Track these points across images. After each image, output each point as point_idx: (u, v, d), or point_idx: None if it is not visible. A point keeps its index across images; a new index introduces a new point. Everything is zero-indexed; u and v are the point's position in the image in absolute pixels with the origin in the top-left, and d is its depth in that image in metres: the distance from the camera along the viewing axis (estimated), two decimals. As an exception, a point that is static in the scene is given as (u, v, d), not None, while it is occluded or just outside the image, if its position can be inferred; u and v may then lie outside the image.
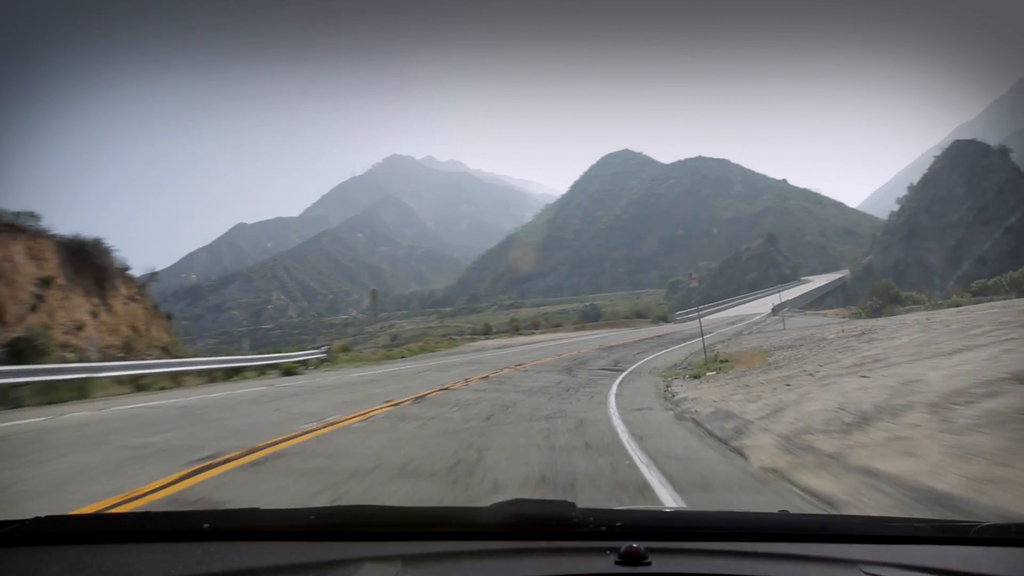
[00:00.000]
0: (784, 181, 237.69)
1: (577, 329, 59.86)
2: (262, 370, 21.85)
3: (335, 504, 2.53)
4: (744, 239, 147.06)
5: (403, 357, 30.65)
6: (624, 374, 17.03)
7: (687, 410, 9.62)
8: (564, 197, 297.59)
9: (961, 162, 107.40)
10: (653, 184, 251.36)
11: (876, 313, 32.35)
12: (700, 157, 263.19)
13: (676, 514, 2.58)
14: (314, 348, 26.70)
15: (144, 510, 2.18)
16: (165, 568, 1.64)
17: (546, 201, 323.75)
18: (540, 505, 2.06)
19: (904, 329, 16.99)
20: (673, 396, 11.78)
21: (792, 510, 2.42)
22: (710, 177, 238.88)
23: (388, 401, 11.10)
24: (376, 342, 79.83)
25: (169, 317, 31.63)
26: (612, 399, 11.44)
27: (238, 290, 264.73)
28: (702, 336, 21.98)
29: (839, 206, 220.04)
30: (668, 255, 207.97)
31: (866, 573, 1.55)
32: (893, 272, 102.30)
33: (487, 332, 63.51)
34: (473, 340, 52.91)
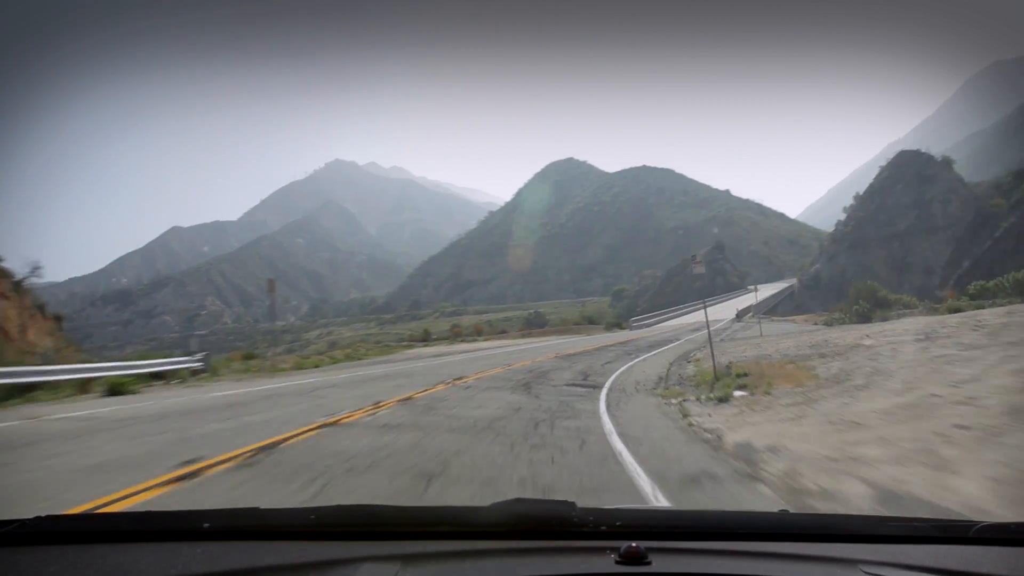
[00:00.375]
0: (728, 192, 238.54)
1: (524, 336, 54.99)
2: (83, 385, 16.00)
3: (335, 504, 2.06)
4: (689, 248, 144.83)
5: (317, 367, 25.03)
6: (603, 392, 12.25)
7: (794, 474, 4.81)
8: (508, 204, 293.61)
9: (906, 172, 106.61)
10: (597, 192, 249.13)
11: (864, 318, 28.54)
12: (645, 166, 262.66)
13: (676, 514, 2.56)
14: (184, 355, 20.47)
15: (144, 510, 1.77)
16: (165, 568, 1.63)
17: (490, 209, 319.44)
18: (540, 505, 2.02)
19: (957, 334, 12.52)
20: (718, 439, 6.82)
21: (792, 510, 2.21)
22: (654, 186, 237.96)
23: (168, 473, 5.41)
24: (315, 348, 73.42)
25: (59, 319, 26.83)
26: (618, 445, 6.56)
27: (171, 295, 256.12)
28: (710, 340, 17.25)
29: (781, 217, 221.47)
30: (612, 263, 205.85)
31: (866, 572, 1.55)
32: (841, 280, 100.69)
33: (426, 339, 58.06)
34: (410, 347, 47.70)
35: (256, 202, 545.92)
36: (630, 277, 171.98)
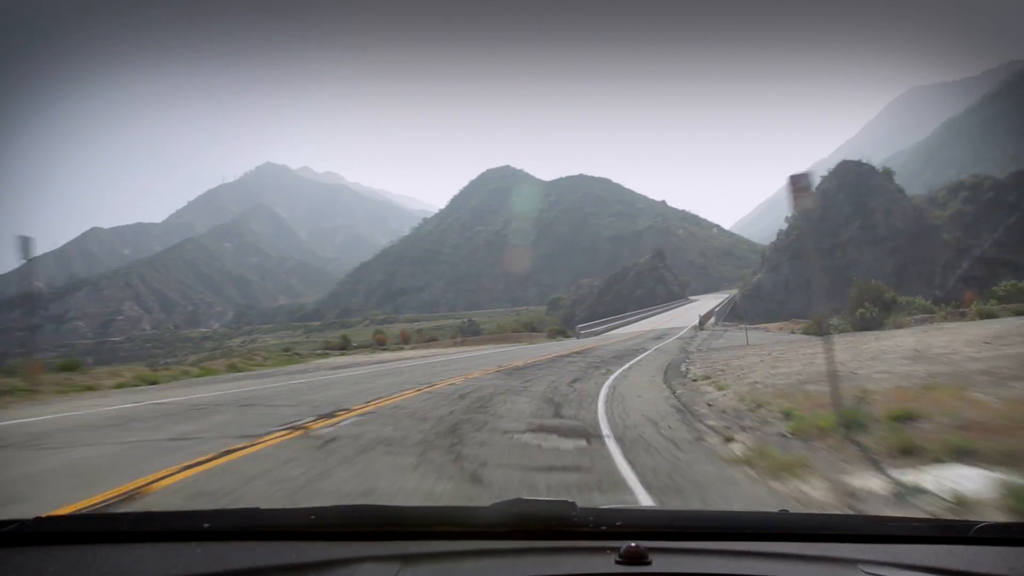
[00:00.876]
0: (664, 202, 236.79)
1: (457, 344, 48.25)
2: None
3: (335, 504, 2.06)
4: (626, 258, 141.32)
5: (155, 383, 17.71)
6: (613, 450, 6.16)
7: None
8: (443, 211, 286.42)
9: (848, 182, 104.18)
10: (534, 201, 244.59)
11: (873, 324, 23.09)
12: (582, 175, 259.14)
13: (676, 513, 2.55)
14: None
15: (145, 510, 2.20)
16: (166, 568, 1.62)
17: (425, 216, 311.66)
18: (540, 505, 1.94)
19: None
20: None
21: (793, 510, 2.20)
22: (591, 195, 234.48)
23: None
24: (200, 358, 64.63)
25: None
26: None
27: (84, 299, 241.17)
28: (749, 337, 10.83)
29: (717, 228, 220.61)
30: (548, 272, 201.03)
31: (866, 572, 1.54)
32: (784, 290, 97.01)
33: (344, 347, 50.67)
34: (325, 356, 40.51)
35: (183, 204, 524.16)
36: (566, 286, 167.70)
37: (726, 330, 35.25)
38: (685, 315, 57.69)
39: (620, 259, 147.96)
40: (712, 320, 38.84)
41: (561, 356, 22.72)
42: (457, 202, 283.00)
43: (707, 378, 13.13)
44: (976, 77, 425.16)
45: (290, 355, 39.17)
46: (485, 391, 11.70)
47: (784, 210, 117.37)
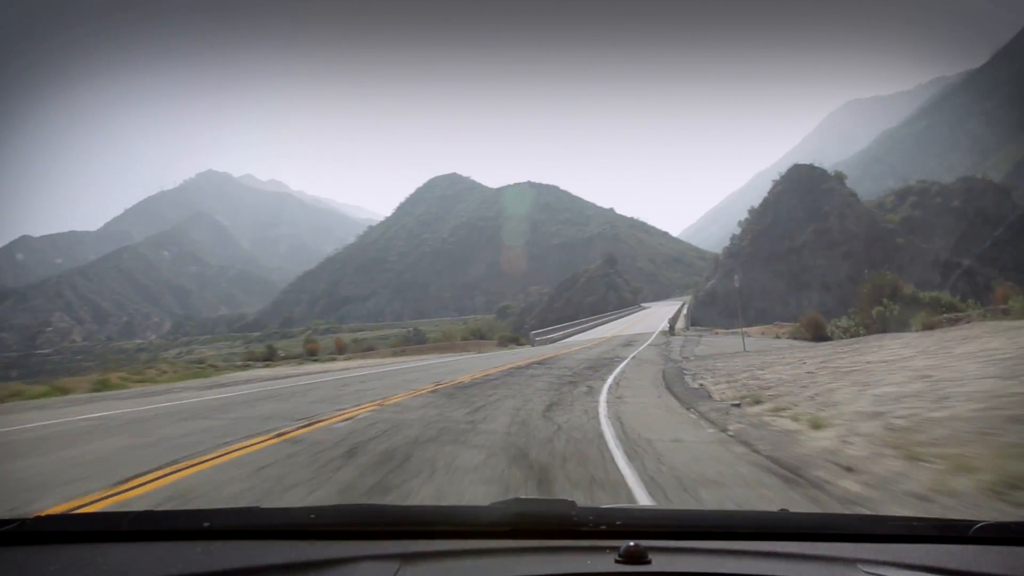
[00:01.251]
0: (612, 210, 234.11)
1: (396, 354, 42.81)
2: None
3: (335, 503, 2.29)
4: (575, 265, 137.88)
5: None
6: None
7: None
8: (389, 219, 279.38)
9: (801, 186, 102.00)
10: (481, 208, 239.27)
11: (894, 325, 18.84)
12: (529, 182, 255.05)
13: (676, 513, 2.55)
14: None
15: (144, 509, 2.14)
16: (165, 566, 1.61)
17: (372, 225, 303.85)
18: (540, 504, 2.00)
19: None
20: None
21: (793, 509, 2.17)
22: (539, 202, 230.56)
23: None
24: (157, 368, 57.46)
25: None
26: None
27: (10, 310, 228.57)
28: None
29: (665, 235, 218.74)
30: (496, 280, 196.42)
31: (866, 572, 1.54)
32: (739, 296, 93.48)
33: (270, 357, 44.82)
34: (246, 368, 34.78)
35: (119, 211, 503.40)
36: (515, 294, 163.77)
37: (701, 335, 30.88)
38: (644, 321, 53.49)
39: (569, 266, 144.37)
40: (682, 325, 34.52)
41: (519, 367, 17.78)
42: (403, 209, 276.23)
43: (756, 402, 8.38)
44: (910, 91, 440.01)
45: (202, 368, 33.34)
46: (402, 434, 6.65)
47: (731, 217, 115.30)
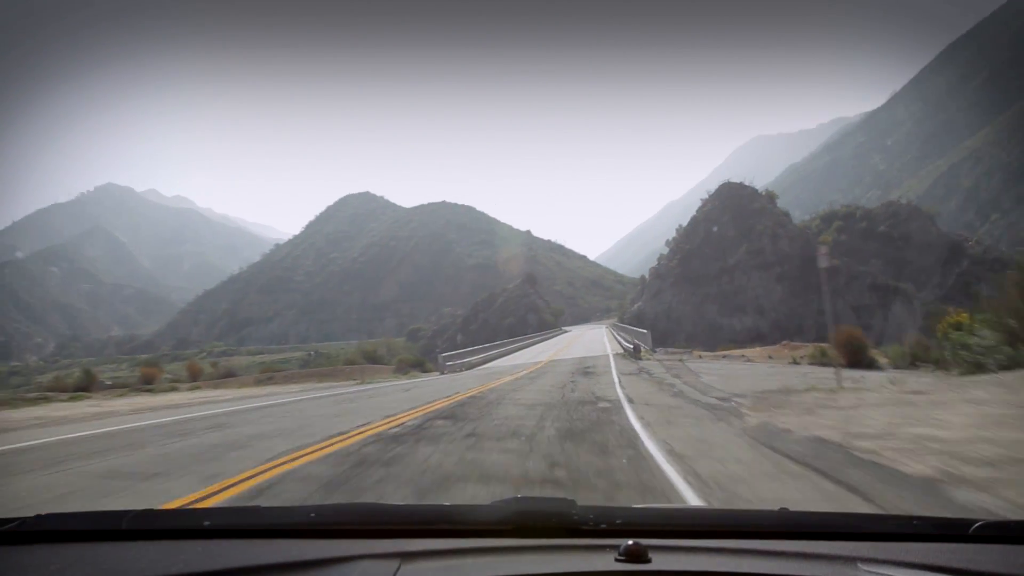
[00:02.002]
0: (528, 232, 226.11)
1: (262, 382, 31.68)
2: None
3: (335, 502, 2.38)
4: (490, 287, 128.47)
5: None
6: None
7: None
8: (297, 237, 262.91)
9: (731, 204, 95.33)
10: (394, 227, 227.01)
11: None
12: (444, 202, 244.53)
13: (676, 511, 2.55)
14: None
15: (145, 508, 1.91)
16: (166, 565, 1.59)
17: (278, 244, 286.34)
18: (540, 503, 1.95)
19: None
20: None
21: (792, 508, 2.15)
22: (454, 223, 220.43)
23: None
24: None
25: None
26: None
27: None
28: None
29: (583, 259, 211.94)
30: (407, 302, 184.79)
31: (865, 570, 1.52)
32: (666, 318, 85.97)
33: (85, 386, 32.13)
34: (47, 401, 22.80)
35: (6, 224, 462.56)
36: (427, 317, 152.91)
37: (683, 359, 21.20)
38: (579, 343, 43.98)
39: (484, 288, 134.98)
40: (646, 347, 24.86)
41: (399, 430, 7.36)
42: (313, 228, 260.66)
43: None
44: (812, 129, 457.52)
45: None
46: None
47: (644, 245, 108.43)
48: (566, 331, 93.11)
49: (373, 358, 34.55)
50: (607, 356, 26.40)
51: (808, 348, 20.71)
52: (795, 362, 20.05)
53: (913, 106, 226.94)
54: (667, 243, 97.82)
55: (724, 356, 22.44)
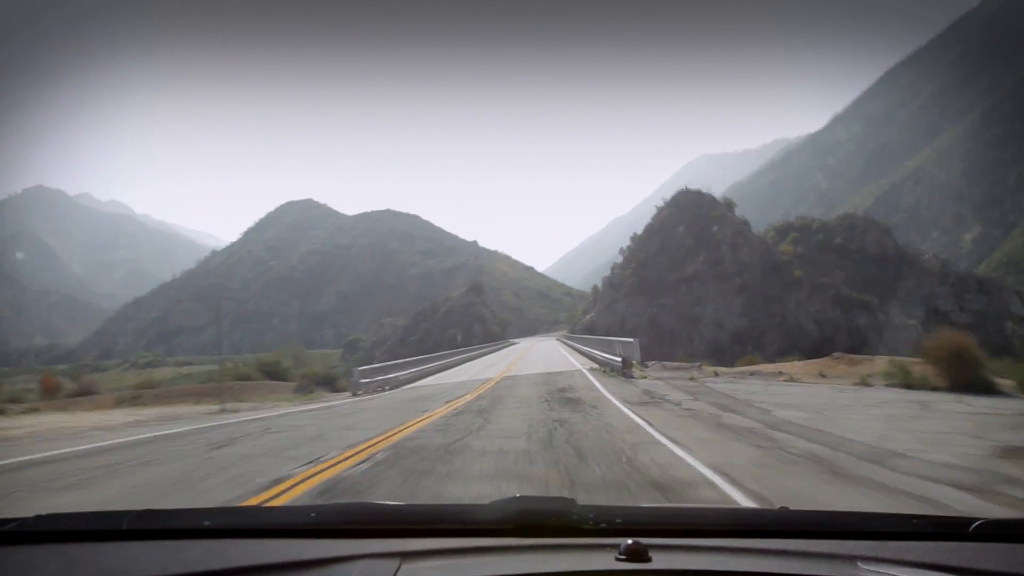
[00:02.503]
0: (475, 242, 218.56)
1: (125, 403, 23.70)
2: None
3: (335, 502, 2.35)
4: (435, 297, 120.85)
5: None
6: None
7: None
8: (235, 244, 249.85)
9: (688, 213, 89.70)
10: (335, 235, 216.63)
11: None
12: (389, 210, 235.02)
13: (676, 510, 2.55)
14: None
15: (145, 508, 1.89)
16: (166, 565, 1.58)
17: (215, 250, 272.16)
18: (540, 502, 1.92)
19: None
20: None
21: (792, 507, 2.20)
22: (398, 231, 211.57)
23: None
24: None
25: None
26: None
27: None
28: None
29: (530, 270, 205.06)
30: (347, 312, 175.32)
31: (865, 569, 1.51)
32: (620, 331, 79.20)
33: None
34: None
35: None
36: (367, 327, 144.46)
37: (698, 379, 14.04)
38: (533, 355, 37.25)
39: (428, 298, 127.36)
40: (629, 353, 17.68)
41: None
42: (252, 235, 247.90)
43: None
44: (755, 149, 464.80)
45: None
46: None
47: (590, 260, 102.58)
48: (514, 343, 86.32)
49: (274, 372, 26.53)
50: (580, 372, 19.39)
51: (877, 363, 13.85)
52: (863, 383, 13.17)
53: (855, 127, 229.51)
54: (621, 251, 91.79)
55: (752, 373, 15.46)
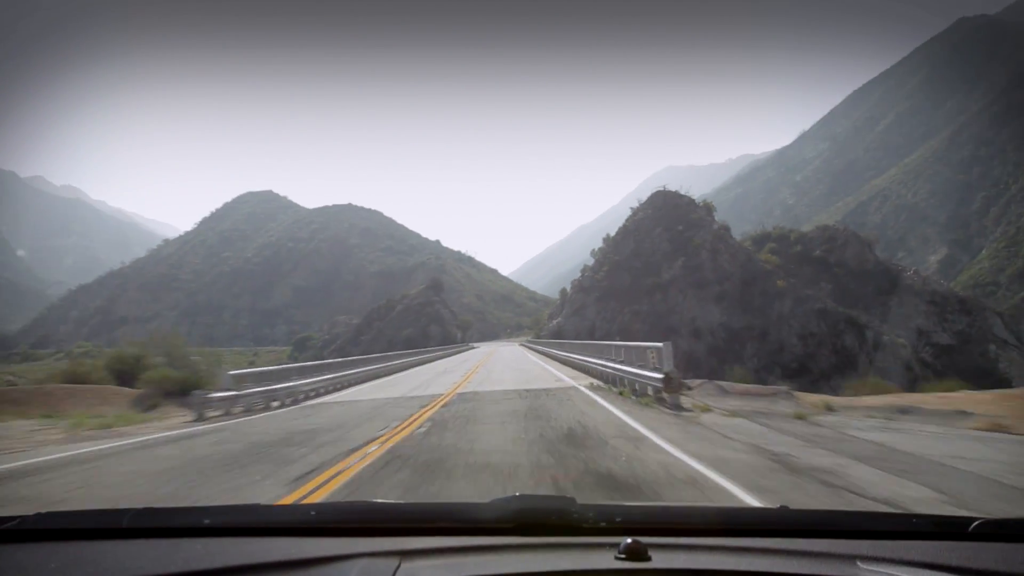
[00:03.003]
0: (438, 242, 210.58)
1: None
2: None
3: (335, 501, 2.35)
4: (391, 292, 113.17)
5: None
6: None
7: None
8: (189, 234, 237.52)
9: (665, 215, 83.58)
10: (293, 228, 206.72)
11: None
12: (350, 205, 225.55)
13: (676, 509, 2.54)
14: None
15: (145, 506, 1.88)
16: (166, 563, 1.56)
17: (168, 239, 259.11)
18: (540, 501, 1.91)
19: None
20: None
21: (792, 506, 2.15)
22: (358, 227, 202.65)
23: None
24: None
25: None
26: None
27: None
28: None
29: (494, 272, 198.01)
30: (302, 308, 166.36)
31: (864, 568, 1.50)
32: (589, 336, 72.75)
33: None
34: None
35: None
36: (320, 324, 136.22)
37: (802, 418, 6.80)
38: (497, 364, 30.16)
39: (387, 296, 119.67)
40: (669, 367, 10.53)
41: None
42: (207, 225, 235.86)
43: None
44: (721, 164, 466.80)
45: None
46: None
47: (553, 267, 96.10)
48: (475, 347, 79.30)
49: (130, 372, 18.85)
50: (578, 392, 12.53)
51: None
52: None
53: (821, 145, 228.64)
54: (593, 253, 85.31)
55: (904, 411, 8.58)
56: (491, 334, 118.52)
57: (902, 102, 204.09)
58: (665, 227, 79.42)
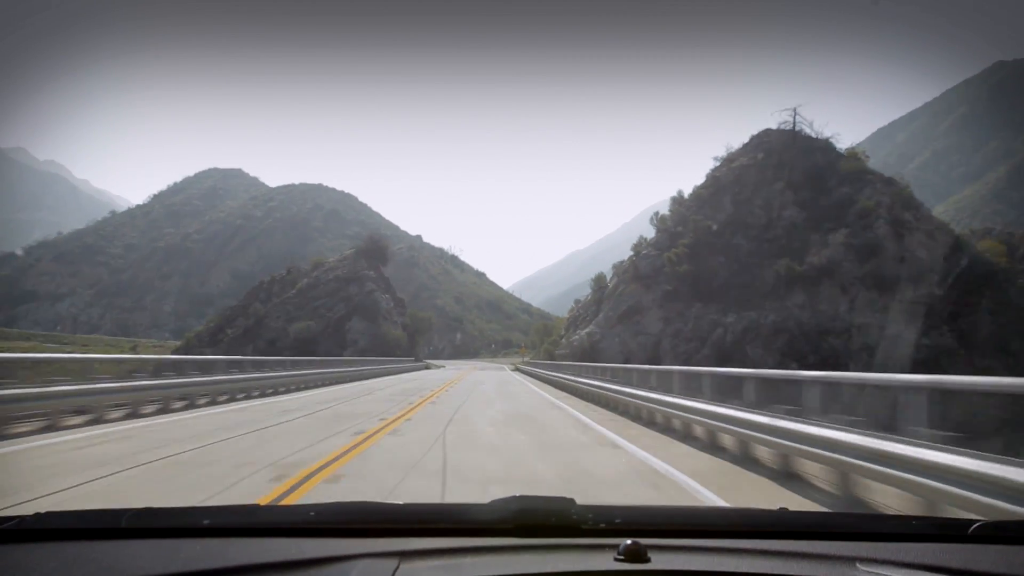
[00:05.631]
0: (419, 237, 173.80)
1: None
2: None
3: (334, 501, 2.06)
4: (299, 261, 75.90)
5: None
6: None
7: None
8: (140, 208, 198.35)
9: (790, 164, 44.23)
10: (248, 205, 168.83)
11: None
12: (320, 185, 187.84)
13: (676, 511, 2.47)
14: None
15: (144, 507, 1.82)
16: (165, 564, 1.51)
17: (115, 212, 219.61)
18: (540, 502, 1.82)
19: None
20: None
21: (791, 508, 2.07)
22: (325, 208, 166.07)
23: None
24: None
25: None
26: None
27: None
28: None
29: (481, 276, 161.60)
30: (239, 297, 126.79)
31: (864, 570, 1.46)
32: (654, 359, 30.56)
33: None
34: None
35: None
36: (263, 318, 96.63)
37: None
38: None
39: (291, 262, 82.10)
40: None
41: None
42: (161, 199, 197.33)
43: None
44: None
45: None
46: None
47: (543, 291, 59.20)
48: (439, 366, 41.85)
49: None
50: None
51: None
52: None
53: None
54: (655, 221, 47.52)
55: None
56: (470, 351, 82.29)
57: (939, 139, 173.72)
58: (789, 182, 42.30)
